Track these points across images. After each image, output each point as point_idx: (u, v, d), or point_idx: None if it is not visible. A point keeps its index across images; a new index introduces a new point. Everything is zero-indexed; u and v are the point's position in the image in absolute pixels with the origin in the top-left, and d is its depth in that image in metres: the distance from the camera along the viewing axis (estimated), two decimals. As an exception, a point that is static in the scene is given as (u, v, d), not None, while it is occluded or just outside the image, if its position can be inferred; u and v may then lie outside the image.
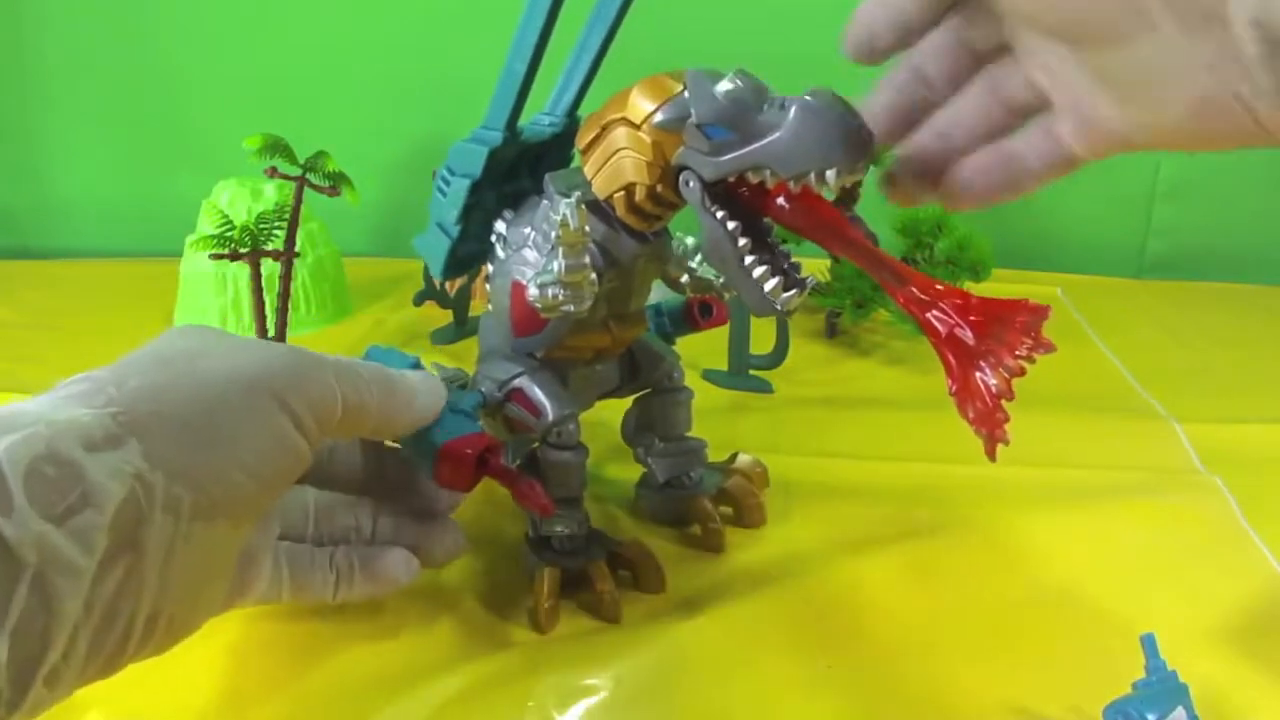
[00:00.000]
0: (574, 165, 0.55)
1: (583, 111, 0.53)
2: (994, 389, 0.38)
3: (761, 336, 0.77)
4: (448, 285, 0.87)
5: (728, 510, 0.58)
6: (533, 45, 0.48)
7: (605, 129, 0.45)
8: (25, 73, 1.18)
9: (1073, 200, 1.11)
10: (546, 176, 0.49)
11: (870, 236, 0.43)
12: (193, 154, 1.16)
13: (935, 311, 0.40)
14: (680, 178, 0.44)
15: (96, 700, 0.44)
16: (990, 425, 0.38)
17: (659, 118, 0.43)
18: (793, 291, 0.42)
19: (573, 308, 0.46)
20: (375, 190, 0.99)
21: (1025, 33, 0.36)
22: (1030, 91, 0.37)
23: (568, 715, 0.43)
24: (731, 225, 0.43)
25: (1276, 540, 0.56)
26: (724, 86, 0.41)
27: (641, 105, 0.43)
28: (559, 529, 0.50)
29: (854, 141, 0.38)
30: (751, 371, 0.78)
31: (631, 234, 0.48)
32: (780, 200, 0.42)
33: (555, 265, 0.45)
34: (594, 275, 0.46)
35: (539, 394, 0.49)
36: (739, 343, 0.77)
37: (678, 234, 0.52)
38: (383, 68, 1.13)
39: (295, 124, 0.83)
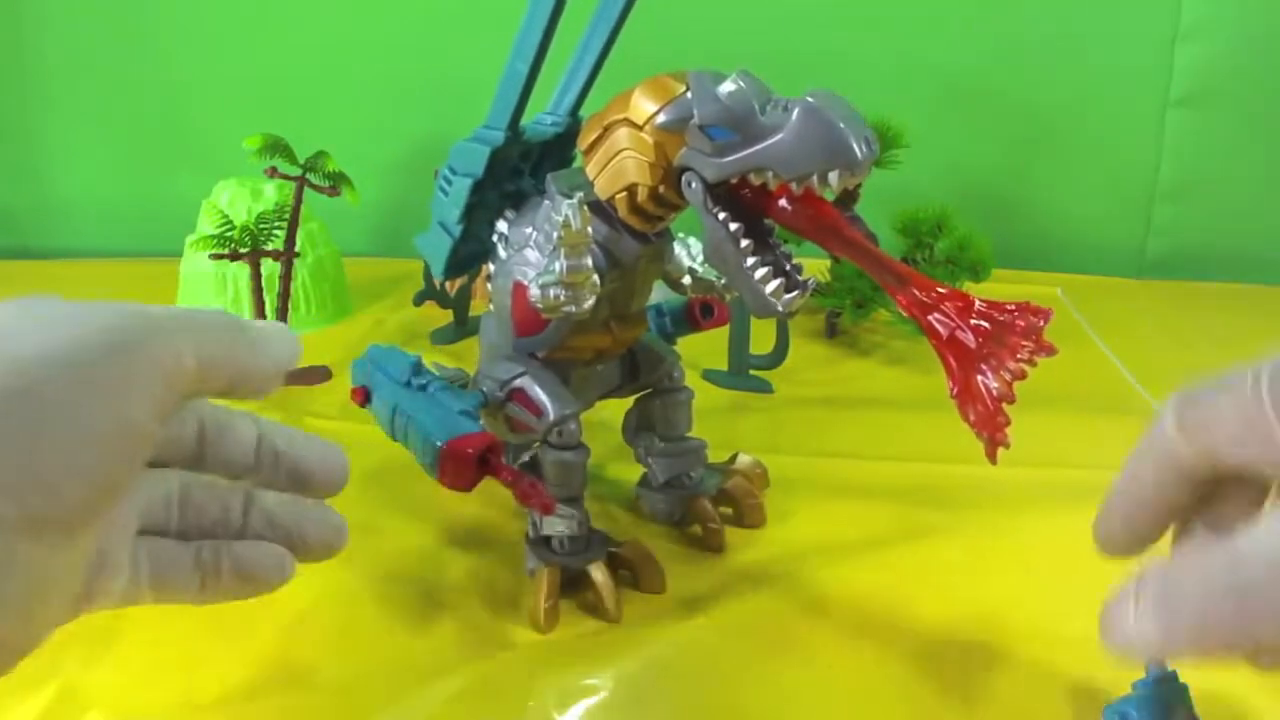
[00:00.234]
0: (575, 165, 0.55)
1: (585, 111, 0.53)
2: (995, 392, 0.38)
3: (761, 336, 0.77)
4: (448, 285, 0.87)
5: (728, 510, 0.58)
6: (535, 45, 0.48)
7: (607, 130, 0.45)
8: (25, 73, 1.18)
9: (1073, 200, 1.11)
10: (549, 176, 0.49)
11: (870, 237, 0.44)
12: (193, 154, 1.16)
13: (937, 314, 0.40)
14: (682, 179, 0.44)
15: (96, 700, 0.44)
16: (991, 428, 0.38)
17: (661, 119, 0.43)
18: (794, 293, 0.42)
19: (574, 308, 0.46)
20: (375, 190, 0.99)
21: None
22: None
23: (568, 715, 0.43)
24: (734, 226, 0.43)
25: (1276, 541, 0.56)
26: (727, 88, 0.41)
27: (644, 106, 0.43)
28: (559, 529, 0.50)
29: (856, 143, 0.38)
30: (751, 371, 0.78)
31: (633, 235, 0.48)
32: (782, 202, 0.42)
33: (557, 266, 0.45)
34: (596, 276, 0.46)
35: (540, 394, 0.49)
36: (739, 343, 0.77)
37: (680, 234, 0.52)
38: (383, 68, 1.13)
39: (295, 124, 0.83)
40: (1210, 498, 0.33)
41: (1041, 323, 0.39)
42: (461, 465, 0.45)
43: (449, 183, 0.52)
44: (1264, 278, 1.06)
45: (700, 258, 0.53)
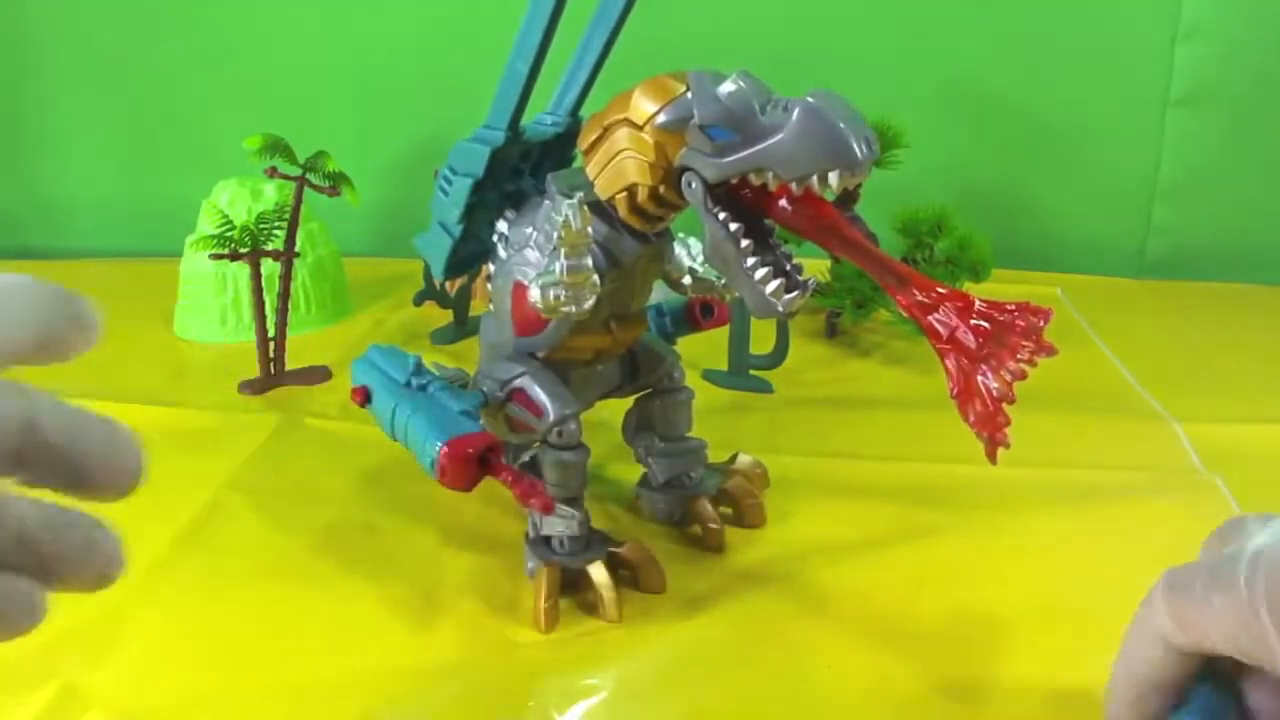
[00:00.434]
0: (576, 165, 0.55)
1: (585, 111, 0.53)
2: (995, 392, 0.38)
3: (761, 336, 0.77)
4: (448, 285, 0.87)
5: (728, 510, 0.58)
6: (536, 45, 0.48)
7: (608, 130, 0.45)
8: (25, 73, 1.18)
9: (1073, 200, 1.11)
10: (549, 176, 0.49)
11: (871, 237, 0.44)
12: (193, 154, 1.16)
13: (937, 314, 0.40)
14: (683, 179, 0.44)
15: (96, 699, 0.44)
16: (991, 428, 0.39)
17: (661, 119, 0.43)
18: (795, 293, 0.42)
19: (574, 309, 0.46)
20: (375, 190, 0.99)
21: None
22: None
23: (568, 715, 0.43)
24: (734, 227, 0.43)
25: (1276, 541, 0.56)
26: (727, 88, 0.41)
27: (644, 106, 0.43)
28: (559, 529, 0.50)
29: (856, 143, 0.38)
30: (751, 371, 0.78)
31: (633, 235, 0.48)
32: (782, 202, 0.42)
33: (557, 266, 0.45)
34: (596, 276, 0.46)
35: (540, 393, 0.49)
36: (739, 343, 0.77)
37: (680, 234, 0.52)
38: (383, 68, 1.13)
39: (295, 124, 0.83)
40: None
41: (1041, 323, 0.39)
42: (461, 465, 0.45)
43: (449, 183, 0.52)
44: (1264, 278, 1.06)
45: (700, 258, 0.53)
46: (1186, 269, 1.09)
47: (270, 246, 0.76)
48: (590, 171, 0.47)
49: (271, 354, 0.79)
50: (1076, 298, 0.99)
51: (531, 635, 0.49)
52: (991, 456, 0.39)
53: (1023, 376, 0.38)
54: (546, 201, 0.49)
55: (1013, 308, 0.39)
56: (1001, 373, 0.38)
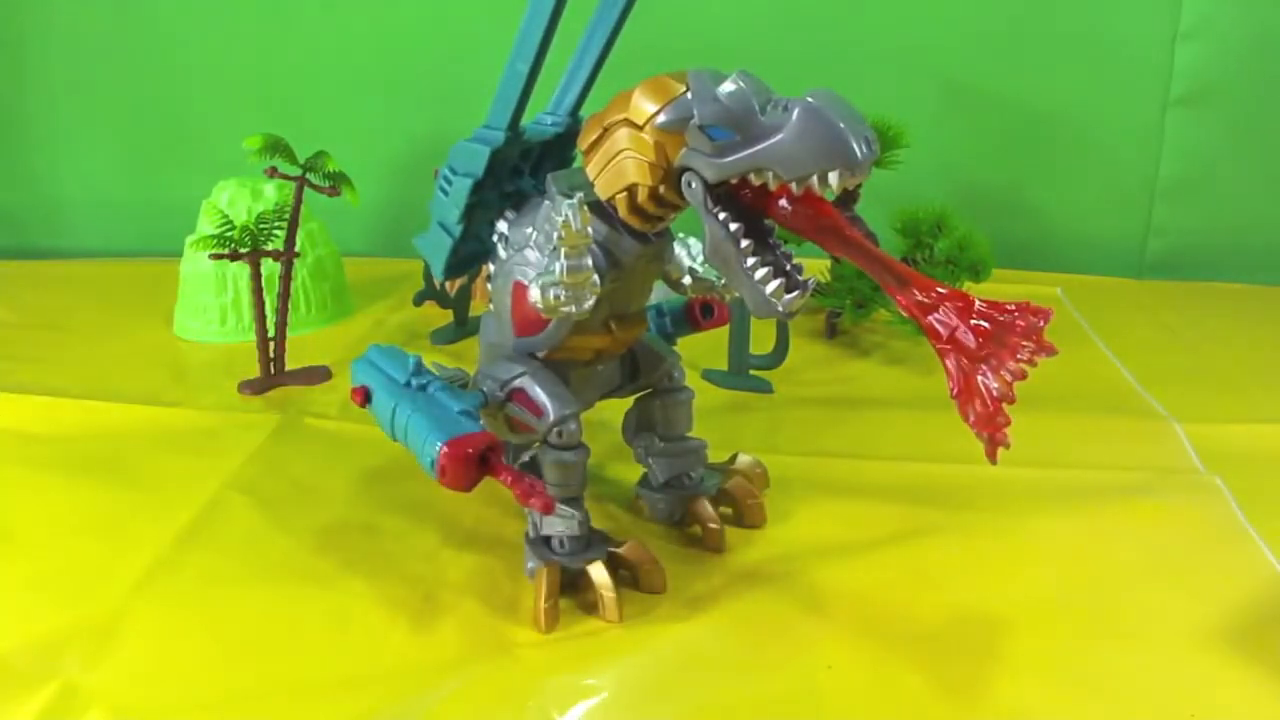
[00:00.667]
0: (576, 165, 0.55)
1: (585, 111, 0.53)
2: (995, 392, 0.38)
3: (761, 336, 0.77)
4: (448, 285, 0.87)
5: (728, 510, 0.58)
6: (536, 45, 0.48)
7: (608, 130, 0.45)
8: (26, 73, 1.18)
9: (1073, 200, 1.11)
10: (549, 177, 0.49)
11: (870, 237, 0.44)
12: (193, 154, 1.16)
13: (937, 314, 0.40)
14: (682, 179, 0.44)
15: (96, 699, 0.44)
16: (991, 428, 0.39)
17: (661, 119, 0.43)
18: (795, 293, 0.42)
19: (574, 309, 0.46)
20: (375, 190, 0.99)
21: None
22: None
23: (568, 715, 0.43)
24: (734, 227, 0.43)
25: (1276, 540, 0.56)
26: (727, 88, 0.41)
27: (644, 106, 0.43)
28: (559, 529, 0.50)
29: (856, 143, 0.38)
30: (751, 371, 0.78)
31: (633, 235, 0.48)
32: (782, 202, 0.42)
33: (557, 266, 0.45)
34: (596, 276, 0.46)
35: (541, 393, 0.49)
36: (739, 343, 0.77)
37: (680, 234, 0.52)
38: (383, 68, 1.13)
39: (295, 124, 0.83)
40: None
41: (1041, 323, 0.39)
42: (461, 465, 0.45)
43: (449, 183, 0.52)
44: (1264, 278, 1.06)
45: (700, 258, 0.53)
46: (1186, 269, 1.09)
47: (270, 246, 0.76)
48: (590, 171, 0.47)
49: (271, 354, 0.79)
50: (1076, 298, 0.99)
51: (531, 635, 0.49)
52: (991, 456, 0.39)
53: (1023, 376, 0.38)
54: (546, 201, 0.49)
55: (1013, 308, 0.39)
56: (1001, 373, 0.38)
